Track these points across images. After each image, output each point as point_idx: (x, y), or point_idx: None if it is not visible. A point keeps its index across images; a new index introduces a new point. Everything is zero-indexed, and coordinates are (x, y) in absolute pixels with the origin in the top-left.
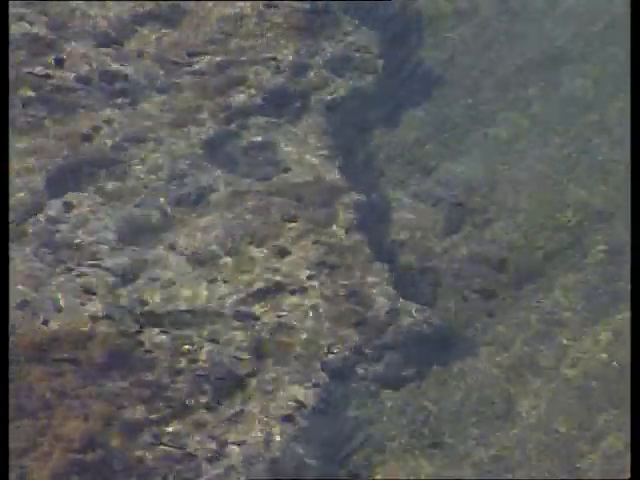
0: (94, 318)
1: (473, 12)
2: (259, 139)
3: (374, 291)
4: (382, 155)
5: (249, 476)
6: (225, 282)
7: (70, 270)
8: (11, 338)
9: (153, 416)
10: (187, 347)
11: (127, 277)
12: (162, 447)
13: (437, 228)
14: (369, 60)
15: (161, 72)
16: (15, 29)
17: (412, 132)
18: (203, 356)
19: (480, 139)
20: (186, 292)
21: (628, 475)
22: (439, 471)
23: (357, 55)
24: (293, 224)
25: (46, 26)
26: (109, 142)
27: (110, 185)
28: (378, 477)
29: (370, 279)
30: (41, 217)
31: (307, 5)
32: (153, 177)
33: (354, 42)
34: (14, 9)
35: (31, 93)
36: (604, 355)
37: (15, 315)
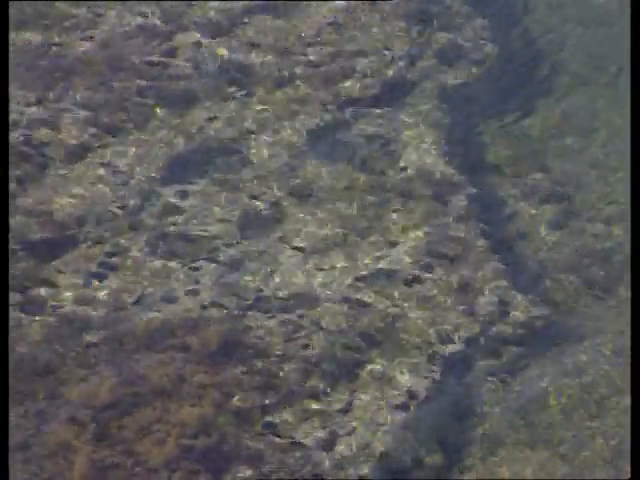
0: (206, 307)
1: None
2: (371, 130)
3: (486, 283)
4: (495, 147)
5: (360, 467)
6: (335, 272)
7: (183, 261)
8: (125, 327)
9: (264, 403)
10: (298, 335)
11: (239, 268)
12: (273, 435)
13: (548, 222)
14: (482, 49)
15: (274, 62)
16: (130, 21)
17: (528, 124)
18: (314, 344)
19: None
20: (297, 282)
21: (628, 475)
22: (548, 466)
23: (470, 44)
24: (404, 215)
25: (160, 17)
26: (222, 132)
27: (224, 176)
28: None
29: (482, 271)
30: (155, 208)
31: None
32: (266, 168)
33: (467, 31)
34: (129, 2)
35: (145, 83)
36: None
37: (127, 305)
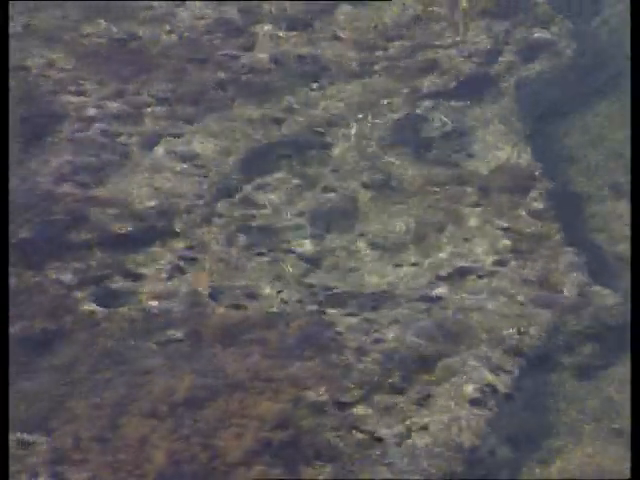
0: (284, 302)
1: None
2: (449, 124)
3: (564, 277)
4: (574, 142)
5: (436, 461)
6: (412, 267)
7: (261, 254)
8: (203, 320)
9: (340, 398)
10: (375, 331)
11: (316, 262)
12: (349, 429)
13: (625, 216)
14: (561, 45)
15: (353, 56)
16: (209, 14)
17: (605, 120)
18: (390, 339)
19: None
20: (373, 277)
21: (628, 475)
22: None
23: (549, 40)
24: (481, 209)
25: (240, 10)
26: (300, 125)
27: (303, 169)
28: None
29: (560, 265)
30: (234, 201)
31: None
32: (344, 162)
33: (546, 27)
34: None
35: (223, 75)
36: None
37: (206, 299)
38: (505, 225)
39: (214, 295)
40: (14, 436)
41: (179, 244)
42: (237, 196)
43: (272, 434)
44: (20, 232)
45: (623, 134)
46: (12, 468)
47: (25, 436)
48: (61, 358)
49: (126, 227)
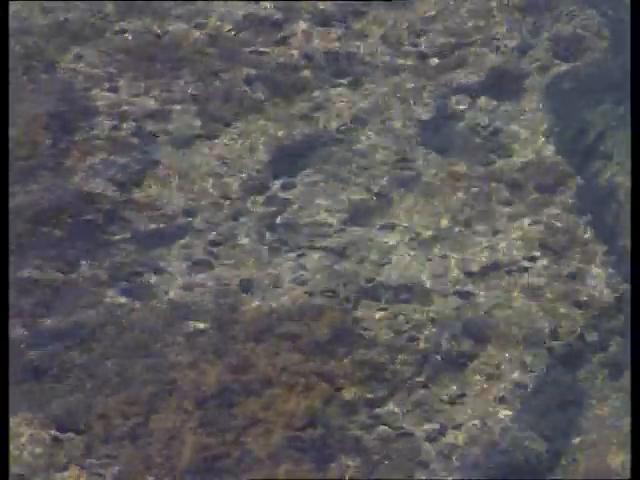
0: (314, 296)
1: None
2: (479, 121)
3: (595, 274)
4: (606, 138)
5: (468, 458)
6: (443, 262)
7: (290, 250)
8: (233, 316)
9: (371, 395)
10: (406, 327)
11: (346, 256)
12: (380, 427)
13: None
14: (594, 42)
15: (385, 53)
16: (240, 10)
17: None
18: (422, 335)
19: None
20: (404, 272)
21: (628, 475)
22: None
23: (581, 36)
24: (511, 205)
25: (271, 7)
26: (331, 122)
27: (332, 166)
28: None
29: (591, 262)
30: (263, 197)
31: None
32: (374, 158)
33: (578, 23)
34: None
35: (254, 72)
36: None
37: (236, 294)
38: (535, 220)
39: (243, 289)
40: (47, 433)
41: (208, 240)
42: (268, 193)
43: (301, 431)
44: (56, 232)
45: None
46: (44, 462)
47: (57, 433)
48: (91, 351)
49: (156, 226)
